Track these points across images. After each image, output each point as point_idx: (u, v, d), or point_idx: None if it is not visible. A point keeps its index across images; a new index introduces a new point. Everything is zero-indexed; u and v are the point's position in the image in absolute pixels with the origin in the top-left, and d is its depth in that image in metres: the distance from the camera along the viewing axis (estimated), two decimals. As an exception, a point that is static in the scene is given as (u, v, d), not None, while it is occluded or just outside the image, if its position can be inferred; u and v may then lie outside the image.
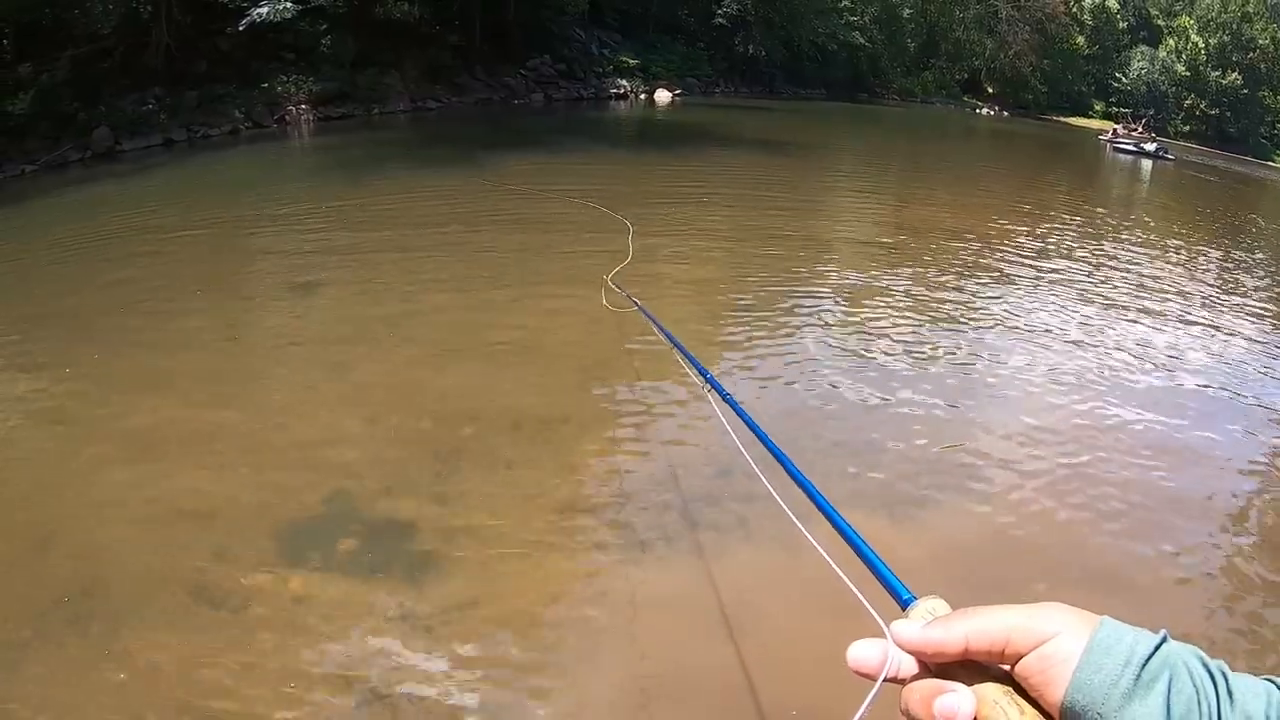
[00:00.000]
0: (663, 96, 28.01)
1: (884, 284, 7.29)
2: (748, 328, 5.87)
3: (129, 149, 14.20)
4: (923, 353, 5.65)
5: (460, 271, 7.06)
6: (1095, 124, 38.75)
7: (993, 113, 39.72)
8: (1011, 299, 7.19)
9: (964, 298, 7.06)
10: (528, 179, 11.70)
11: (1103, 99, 44.72)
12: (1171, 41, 44.22)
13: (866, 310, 6.50)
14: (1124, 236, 11.06)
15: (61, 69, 14.02)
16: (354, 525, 3.41)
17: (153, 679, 2.63)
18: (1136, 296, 7.68)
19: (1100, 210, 13.96)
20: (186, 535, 3.35)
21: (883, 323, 6.21)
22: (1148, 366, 5.83)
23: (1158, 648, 0.48)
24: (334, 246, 7.89)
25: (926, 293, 7.08)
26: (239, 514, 3.49)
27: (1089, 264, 8.81)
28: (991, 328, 6.33)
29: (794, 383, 5.04)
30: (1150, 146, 26.71)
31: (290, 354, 5.35)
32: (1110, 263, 9.04)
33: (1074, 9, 42.18)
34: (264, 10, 17.67)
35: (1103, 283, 8.09)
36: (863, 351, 5.61)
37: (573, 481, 3.86)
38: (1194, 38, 43.32)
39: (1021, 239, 9.72)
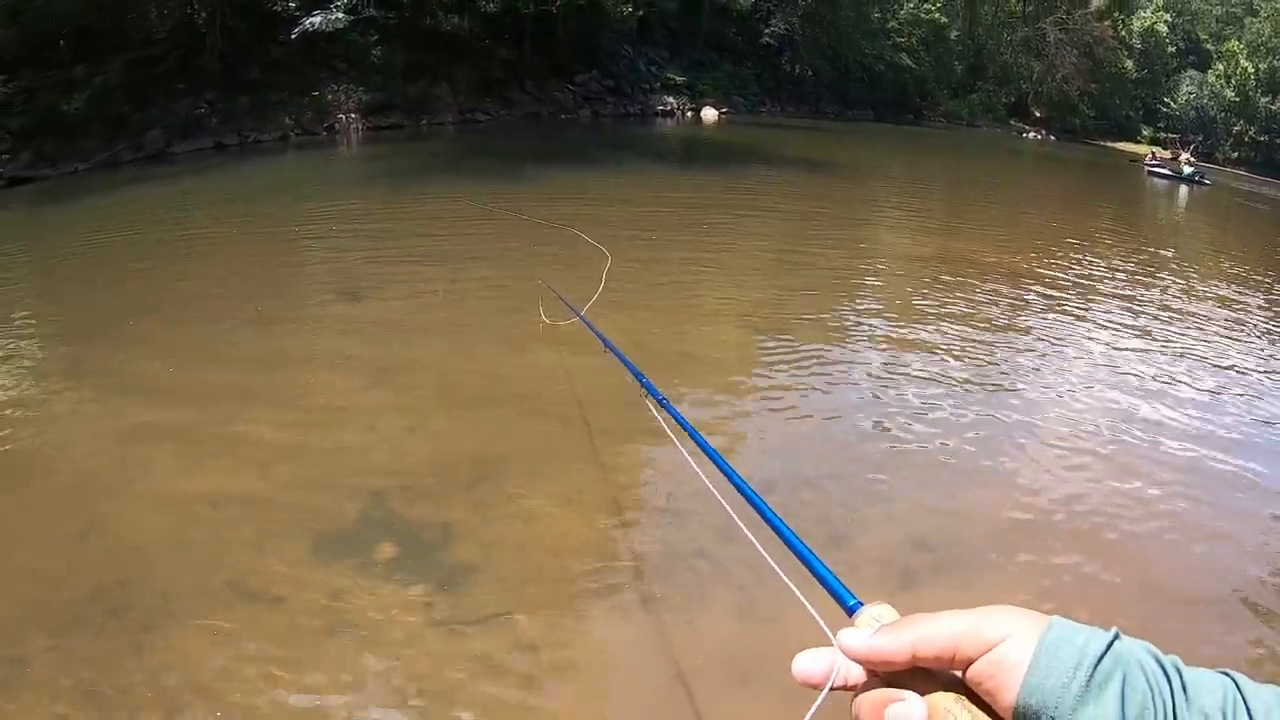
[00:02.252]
0: (709, 115, 27.55)
1: (914, 321, 6.51)
2: (728, 373, 5.18)
3: (180, 151, 13.84)
4: (951, 402, 4.93)
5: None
6: (1142, 149, 37.66)
7: (1039, 137, 38.79)
8: (1051, 340, 6.45)
9: (1003, 336, 6.37)
10: (566, 193, 11.27)
11: (1151, 124, 43.56)
12: (1220, 66, 43.03)
13: (887, 354, 5.73)
14: (1166, 271, 9.93)
15: (115, 72, 13.68)
16: (390, 528, 3.36)
17: (188, 670, 2.58)
18: (1176, 338, 6.82)
19: (1144, 241, 12.87)
20: (226, 531, 3.30)
21: (908, 365, 5.50)
22: (1188, 425, 5.00)
23: (1109, 646, 0.46)
24: (379, 254, 7.53)
25: (961, 334, 6.27)
26: (278, 511, 3.45)
27: (1127, 305, 7.86)
28: (1026, 376, 5.62)
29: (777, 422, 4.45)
30: (1186, 170, 25.82)
31: (332, 356, 5.18)
32: (1146, 300, 8.11)
33: (1122, 32, 41.32)
34: (316, 20, 17.46)
35: (1145, 322, 7.24)
36: (880, 393, 4.99)
37: (611, 492, 3.74)
38: (1243, 62, 42.10)
39: (1061, 273, 8.85)
